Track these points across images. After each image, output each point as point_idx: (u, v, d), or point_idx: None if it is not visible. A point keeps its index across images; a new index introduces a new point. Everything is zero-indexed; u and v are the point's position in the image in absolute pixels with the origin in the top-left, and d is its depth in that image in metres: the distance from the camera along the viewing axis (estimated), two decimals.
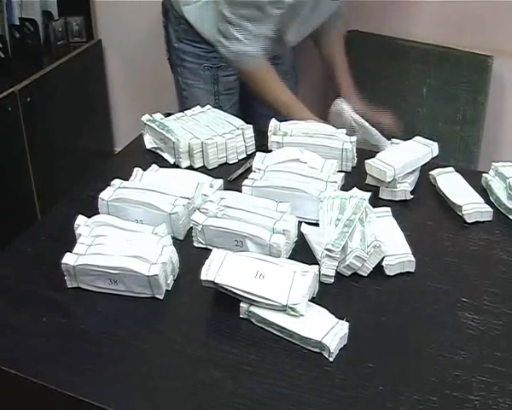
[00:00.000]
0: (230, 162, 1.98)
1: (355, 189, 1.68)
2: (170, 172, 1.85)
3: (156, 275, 1.41)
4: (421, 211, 1.78)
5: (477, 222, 1.72)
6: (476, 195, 1.78)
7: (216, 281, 1.38)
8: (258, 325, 1.38)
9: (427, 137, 1.90)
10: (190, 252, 1.60)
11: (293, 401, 1.23)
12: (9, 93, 2.85)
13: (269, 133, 1.99)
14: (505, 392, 1.25)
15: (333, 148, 1.91)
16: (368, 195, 1.64)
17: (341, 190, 1.72)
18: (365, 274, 1.52)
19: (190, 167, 1.94)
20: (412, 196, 1.79)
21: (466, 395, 1.24)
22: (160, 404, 1.23)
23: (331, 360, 1.31)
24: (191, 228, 1.62)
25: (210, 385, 1.26)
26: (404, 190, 1.78)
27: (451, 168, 1.89)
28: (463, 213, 1.71)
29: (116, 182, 1.71)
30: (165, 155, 1.99)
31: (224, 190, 1.75)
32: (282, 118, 2.09)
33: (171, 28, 2.45)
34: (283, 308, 1.35)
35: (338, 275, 1.51)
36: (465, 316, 1.42)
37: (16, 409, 1.39)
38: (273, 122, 2.00)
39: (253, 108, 2.63)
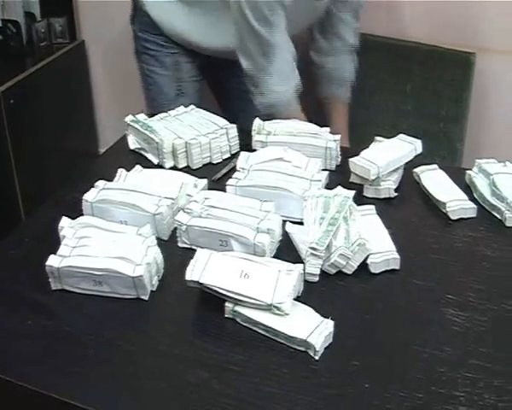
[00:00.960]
0: (214, 162, 1.97)
1: (339, 187, 1.68)
2: (154, 172, 1.85)
3: (141, 276, 1.41)
4: (406, 208, 1.78)
5: (461, 219, 1.72)
6: (460, 192, 1.78)
7: (201, 281, 1.38)
8: (244, 324, 1.38)
9: (411, 135, 1.90)
10: (175, 252, 1.59)
11: (279, 399, 1.23)
12: None
13: (253, 132, 1.98)
14: (490, 388, 1.25)
15: (317, 146, 1.91)
16: (352, 193, 1.64)
17: (325, 188, 1.73)
18: (350, 272, 1.52)
19: (174, 168, 1.93)
20: (396, 194, 1.79)
21: (451, 392, 1.24)
22: (146, 404, 1.23)
23: (317, 358, 1.31)
24: (176, 228, 1.62)
25: (196, 385, 1.26)
26: (388, 187, 1.78)
27: (435, 165, 1.89)
28: (447, 210, 1.72)
29: (100, 183, 1.71)
30: (149, 156, 1.98)
31: (209, 189, 1.75)
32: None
33: (136, 20, 2.49)
34: (268, 307, 1.35)
35: (323, 273, 1.51)
36: (450, 313, 1.43)
37: None
38: (257, 121, 2.00)
39: (233, 103, 2.64)
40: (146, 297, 1.46)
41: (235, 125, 2.01)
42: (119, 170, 1.79)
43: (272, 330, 1.35)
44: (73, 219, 1.58)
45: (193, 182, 1.76)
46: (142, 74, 2.56)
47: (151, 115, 2.09)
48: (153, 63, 2.47)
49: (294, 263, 1.44)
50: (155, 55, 2.45)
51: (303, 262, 1.49)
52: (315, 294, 1.47)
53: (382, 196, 1.79)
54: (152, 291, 1.47)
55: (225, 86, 2.67)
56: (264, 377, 1.27)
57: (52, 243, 1.53)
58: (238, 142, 2.02)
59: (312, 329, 1.33)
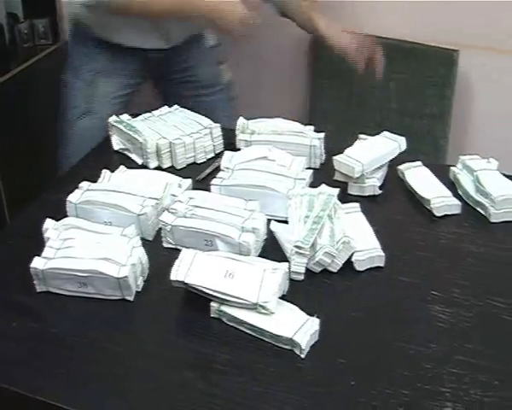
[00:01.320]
0: (199, 162, 1.97)
1: (323, 185, 1.68)
2: (138, 172, 1.84)
3: (126, 277, 1.41)
4: (390, 206, 1.79)
5: (446, 215, 1.73)
6: (444, 188, 1.79)
7: (186, 281, 1.38)
8: (230, 324, 1.38)
9: (395, 132, 1.91)
10: (160, 253, 1.59)
11: (266, 398, 1.23)
12: None
13: (236, 132, 1.99)
14: (476, 383, 1.26)
15: (301, 145, 1.91)
16: (336, 191, 1.64)
17: (310, 186, 1.73)
18: (335, 270, 1.52)
19: (158, 168, 1.93)
20: (381, 192, 1.80)
21: (437, 388, 1.25)
22: (133, 405, 1.23)
23: (303, 356, 1.31)
24: (160, 229, 1.62)
25: (183, 386, 1.26)
26: (373, 185, 1.78)
27: (419, 162, 1.90)
28: (432, 206, 1.72)
29: (84, 184, 1.70)
30: (133, 156, 1.98)
31: (193, 189, 1.74)
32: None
33: (70, 32, 2.46)
34: (254, 306, 1.35)
35: (308, 272, 1.51)
36: (435, 309, 1.43)
37: None
38: (241, 120, 2.00)
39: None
40: (131, 298, 1.45)
41: (219, 125, 2.01)
42: (103, 171, 1.78)
43: (258, 330, 1.34)
44: (58, 220, 1.58)
45: (177, 182, 1.76)
46: (61, 84, 2.50)
47: (135, 116, 2.08)
48: (72, 74, 2.43)
49: (279, 262, 1.44)
50: (77, 67, 2.41)
51: (288, 261, 1.49)
52: (300, 292, 1.47)
53: (367, 194, 1.79)
54: (137, 292, 1.47)
55: (168, 91, 2.66)
56: (251, 377, 1.27)
57: (37, 244, 1.53)
58: (222, 141, 2.02)
59: (298, 327, 1.33)
